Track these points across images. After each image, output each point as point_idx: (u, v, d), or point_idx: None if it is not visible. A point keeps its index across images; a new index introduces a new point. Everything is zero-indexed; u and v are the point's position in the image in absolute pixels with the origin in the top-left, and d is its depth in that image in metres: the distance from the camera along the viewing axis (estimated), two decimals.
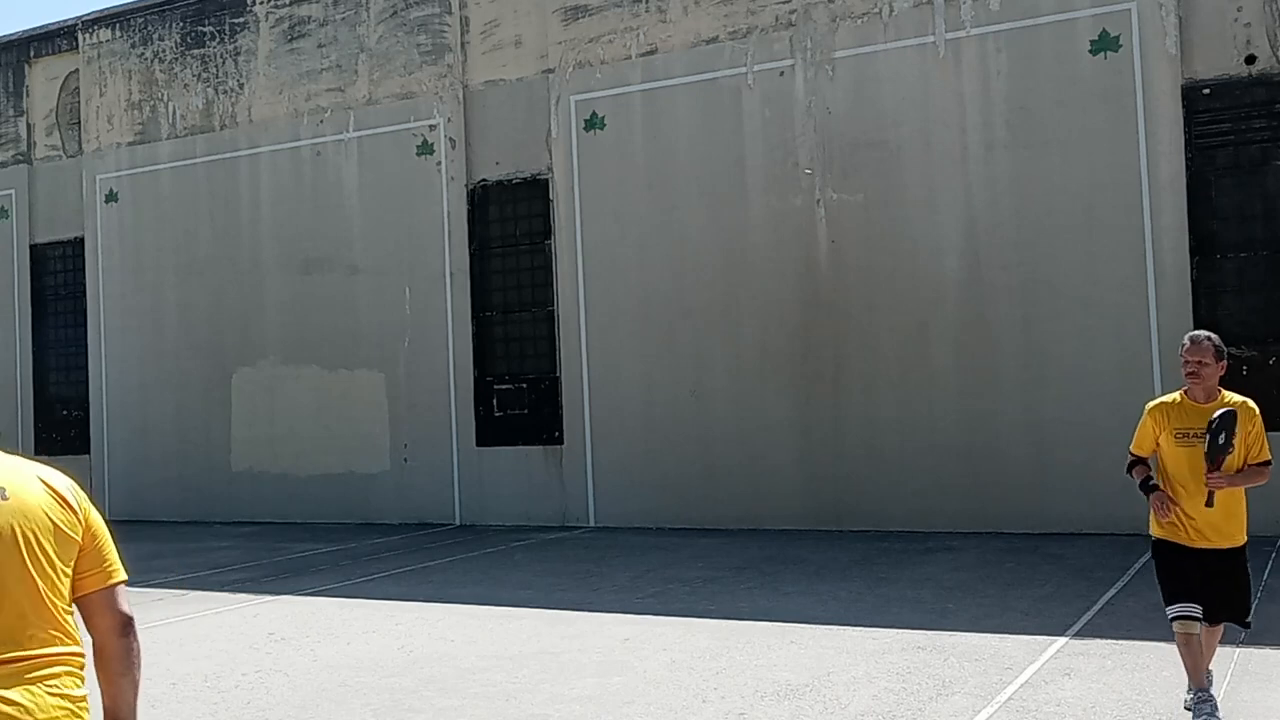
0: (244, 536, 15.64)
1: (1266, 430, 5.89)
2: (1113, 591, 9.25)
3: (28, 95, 20.21)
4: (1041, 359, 12.70)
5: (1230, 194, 12.21)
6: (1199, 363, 5.68)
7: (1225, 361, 5.76)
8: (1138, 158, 12.35)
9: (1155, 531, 5.90)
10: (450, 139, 16.19)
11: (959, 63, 13.18)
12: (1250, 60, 12.07)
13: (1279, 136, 12.04)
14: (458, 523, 15.94)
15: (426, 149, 16.36)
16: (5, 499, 2.64)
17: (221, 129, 18.10)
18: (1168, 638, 7.53)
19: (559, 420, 15.40)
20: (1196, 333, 5.86)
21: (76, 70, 19.58)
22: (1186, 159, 12.24)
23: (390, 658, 8.02)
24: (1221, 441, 5.58)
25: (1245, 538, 5.92)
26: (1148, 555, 10.88)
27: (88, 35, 19.36)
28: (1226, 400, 5.72)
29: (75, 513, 2.77)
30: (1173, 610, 5.78)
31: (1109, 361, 12.38)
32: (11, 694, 2.53)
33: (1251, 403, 5.78)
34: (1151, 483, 5.91)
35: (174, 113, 18.53)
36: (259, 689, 7.30)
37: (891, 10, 13.50)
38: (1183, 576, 5.75)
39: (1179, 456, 5.74)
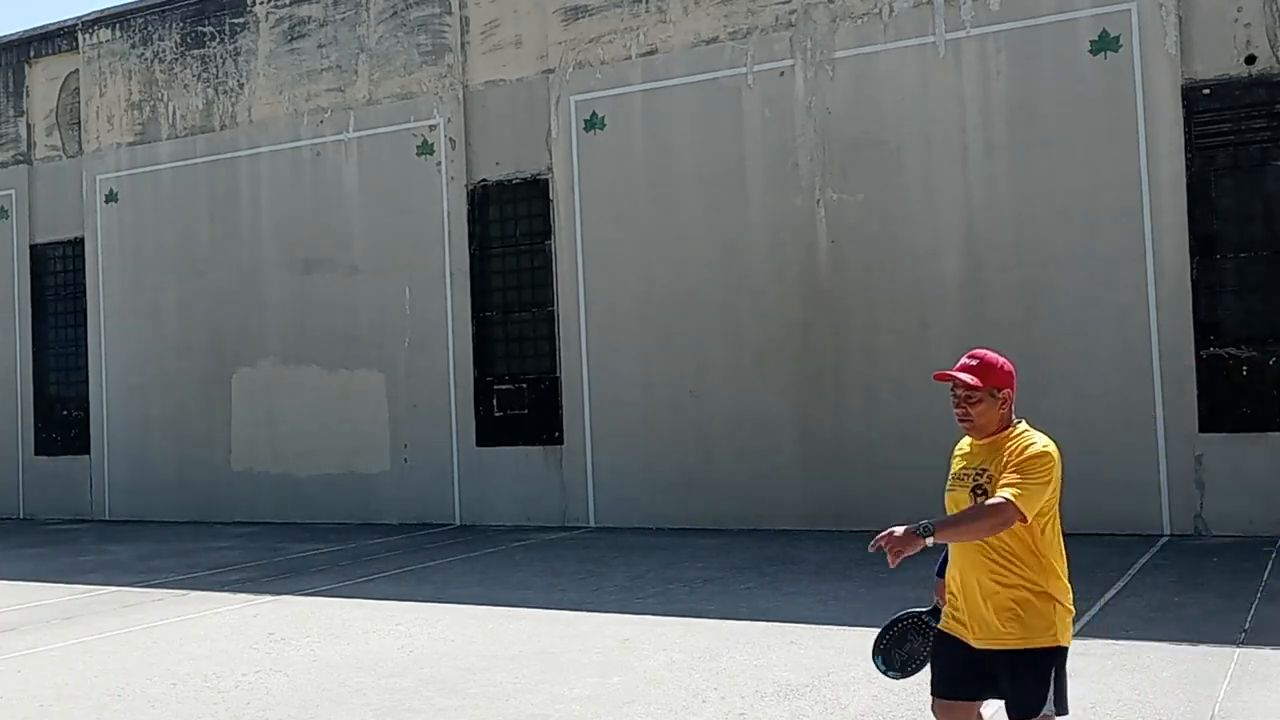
0: (244, 536, 15.64)
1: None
2: (1113, 591, 9.24)
3: (28, 95, 20.21)
4: (1041, 359, 12.68)
5: (1230, 194, 12.21)
6: (964, 412, 4.04)
7: (1010, 389, 4.01)
8: (1138, 158, 12.35)
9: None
10: (450, 139, 16.19)
11: (959, 63, 13.18)
12: (1250, 60, 12.07)
13: (1279, 136, 12.04)
14: (458, 523, 15.94)
15: (426, 149, 16.36)
16: None
17: (221, 129, 18.10)
18: (1168, 638, 7.56)
19: (559, 420, 15.40)
20: (963, 372, 4.01)
21: (76, 70, 19.58)
22: (1186, 159, 12.24)
23: (390, 658, 8.02)
24: (885, 657, 4.35)
25: (1060, 639, 3.88)
26: (1148, 555, 10.99)
27: (88, 35, 19.36)
28: (1016, 434, 3.97)
29: None
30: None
31: (1109, 361, 12.38)
32: None
33: (1039, 443, 3.93)
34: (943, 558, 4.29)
35: (174, 113, 18.53)
36: (259, 689, 7.30)
37: (891, 10, 13.50)
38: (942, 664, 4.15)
39: (945, 505, 4.11)
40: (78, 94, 19.58)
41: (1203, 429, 11.97)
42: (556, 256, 15.46)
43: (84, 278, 19.36)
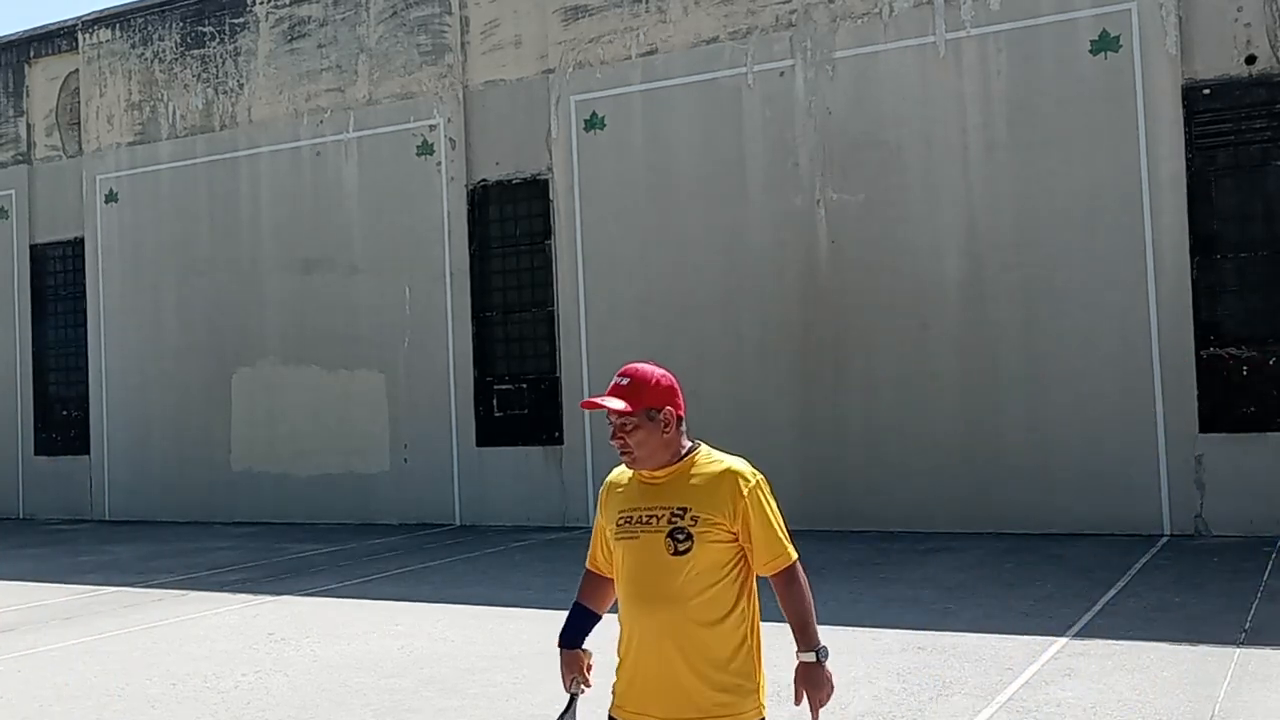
0: (244, 536, 15.64)
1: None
2: (1113, 592, 9.25)
3: (28, 95, 20.20)
4: (1042, 359, 12.70)
5: (1230, 194, 12.21)
6: (621, 443, 3.45)
7: (672, 407, 3.39)
8: (1138, 158, 12.35)
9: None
10: (450, 139, 16.19)
11: (959, 63, 13.18)
12: (1250, 60, 12.07)
13: (1279, 136, 12.04)
14: (458, 523, 15.94)
15: (426, 149, 16.36)
16: None
17: (221, 129, 18.09)
18: (1168, 638, 7.56)
19: (559, 420, 15.39)
20: (611, 396, 3.48)
21: (76, 70, 19.57)
22: (1186, 159, 12.23)
23: (390, 658, 8.02)
24: None
25: (763, 708, 3.24)
26: (1148, 555, 10.98)
27: (88, 35, 19.36)
28: (706, 461, 3.32)
29: None
30: None
31: (1109, 361, 12.38)
32: None
33: (747, 470, 3.30)
34: (572, 621, 3.73)
35: (174, 113, 18.53)
36: (259, 689, 7.30)
37: (891, 10, 13.50)
38: None
39: (619, 557, 3.45)
40: (78, 94, 19.58)
41: (1203, 429, 11.97)
42: (556, 256, 15.46)
43: (84, 278, 19.36)
